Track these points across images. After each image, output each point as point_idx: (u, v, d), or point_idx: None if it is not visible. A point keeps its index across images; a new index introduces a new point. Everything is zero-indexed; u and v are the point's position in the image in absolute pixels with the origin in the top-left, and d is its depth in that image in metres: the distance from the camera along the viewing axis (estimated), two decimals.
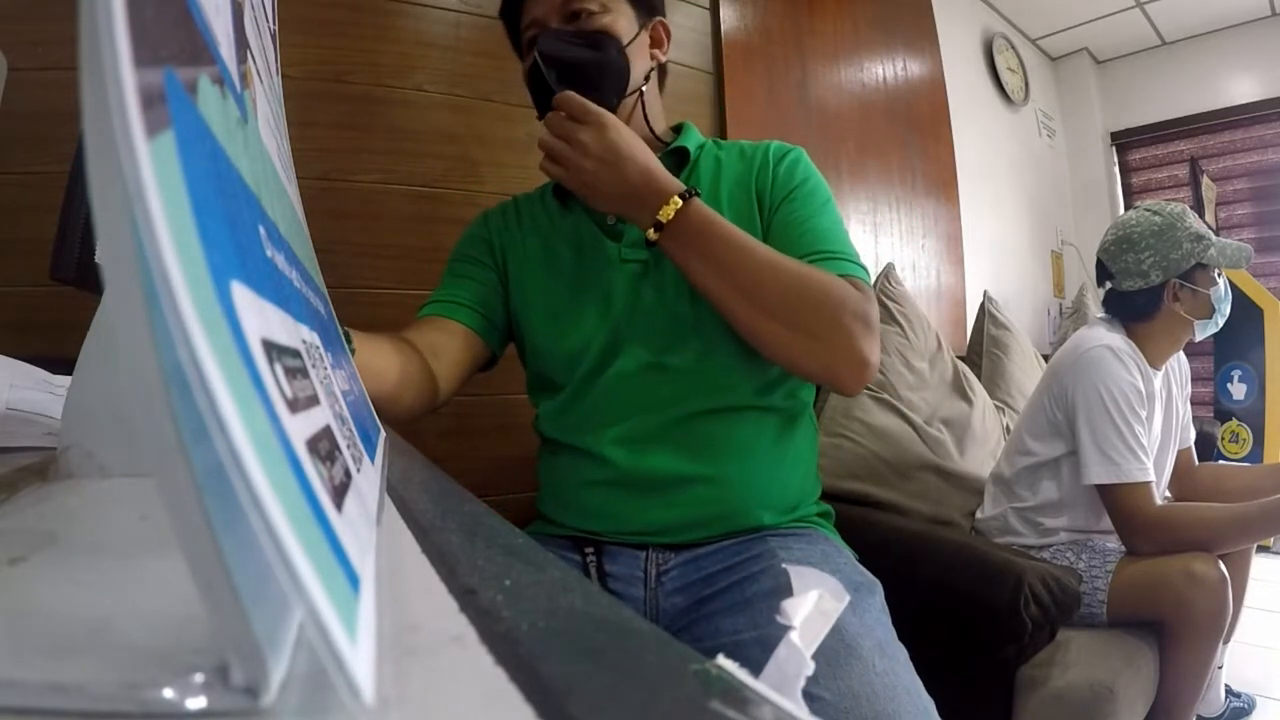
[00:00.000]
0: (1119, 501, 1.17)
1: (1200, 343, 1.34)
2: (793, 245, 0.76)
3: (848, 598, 0.65)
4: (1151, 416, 1.26)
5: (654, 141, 0.86)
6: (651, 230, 0.70)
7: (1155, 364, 1.29)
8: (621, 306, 0.82)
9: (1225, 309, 1.30)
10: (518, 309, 0.88)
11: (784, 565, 0.69)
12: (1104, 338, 1.25)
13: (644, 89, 0.85)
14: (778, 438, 0.81)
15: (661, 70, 0.90)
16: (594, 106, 0.71)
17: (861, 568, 0.77)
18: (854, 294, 0.71)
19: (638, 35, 0.84)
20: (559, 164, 0.72)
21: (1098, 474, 1.17)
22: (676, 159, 0.86)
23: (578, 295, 0.84)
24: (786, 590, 0.66)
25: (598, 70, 0.79)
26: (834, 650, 0.60)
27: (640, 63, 0.84)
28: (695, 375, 0.79)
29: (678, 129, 0.91)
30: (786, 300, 0.70)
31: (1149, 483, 1.16)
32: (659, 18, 0.88)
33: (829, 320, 0.69)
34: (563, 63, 0.77)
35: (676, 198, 0.70)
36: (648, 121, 0.85)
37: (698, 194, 0.71)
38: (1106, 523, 1.22)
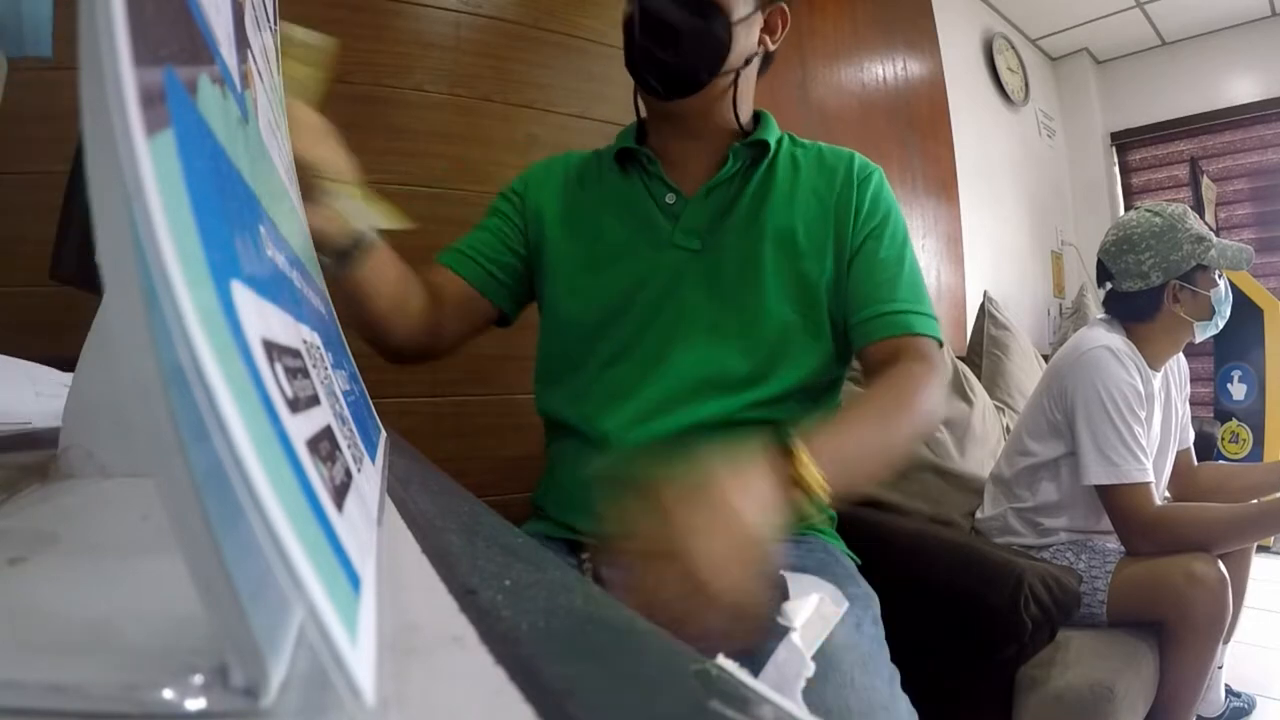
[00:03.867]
0: (1118, 502, 1.17)
1: (1200, 343, 1.34)
2: (875, 294, 0.77)
3: (846, 603, 0.64)
4: (1151, 417, 1.25)
5: (736, 130, 0.83)
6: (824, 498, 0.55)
7: (1155, 365, 1.29)
8: (660, 290, 0.79)
9: (1225, 311, 1.30)
10: (544, 267, 0.85)
11: (781, 572, 0.69)
12: (1104, 338, 1.25)
13: (741, 73, 0.80)
14: None
15: (767, 57, 0.85)
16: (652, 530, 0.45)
17: (860, 578, 0.75)
18: (920, 380, 0.71)
19: (751, 15, 0.79)
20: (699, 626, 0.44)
21: (1097, 474, 1.17)
22: (755, 152, 0.82)
23: (616, 265, 0.81)
24: (782, 596, 0.65)
25: (696, 40, 0.75)
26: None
27: (745, 44, 0.79)
28: (717, 377, 0.76)
29: (756, 117, 0.86)
30: (900, 457, 0.68)
31: (1148, 483, 1.16)
32: (780, 2, 0.82)
33: (915, 426, 0.69)
34: (663, 24, 0.74)
35: (804, 475, 0.54)
36: (736, 109, 0.81)
37: (792, 441, 0.56)
38: (1106, 523, 1.22)
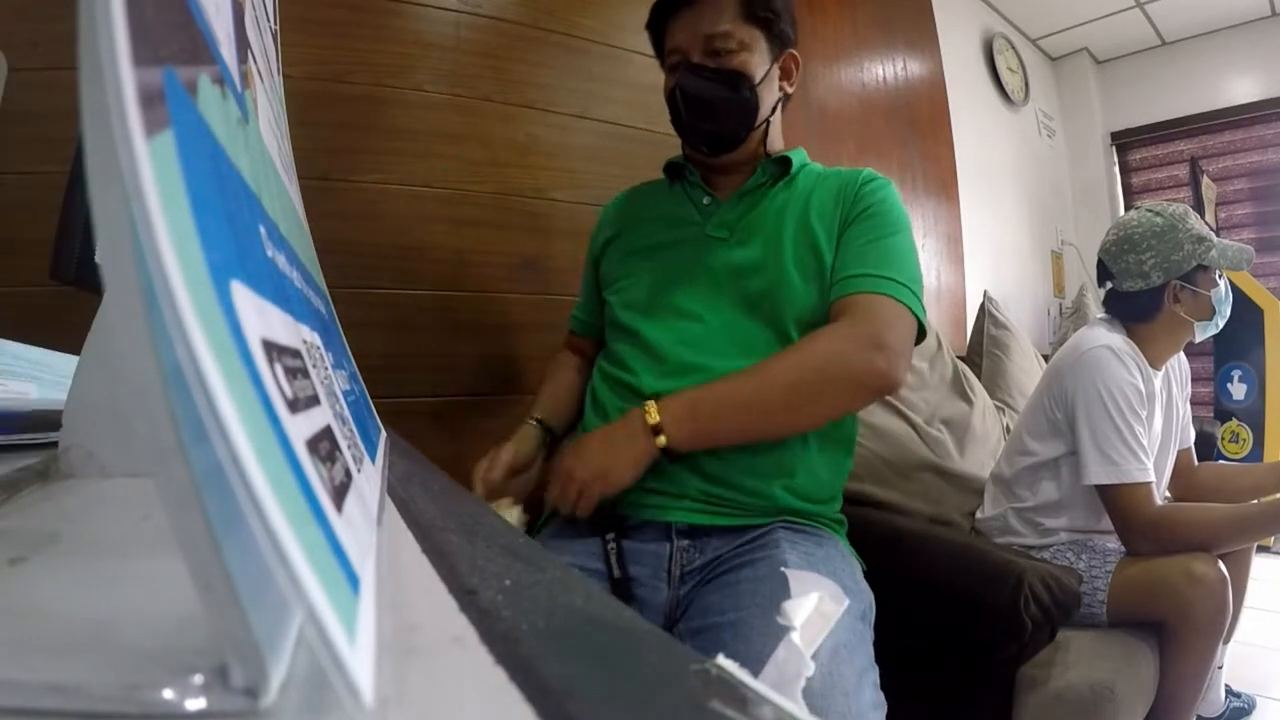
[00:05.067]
0: (1119, 502, 1.16)
1: (1200, 343, 1.34)
2: (849, 261, 0.85)
3: (847, 601, 0.65)
4: (1151, 417, 1.25)
5: (765, 155, 0.95)
6: (660, 438, 0.76)
7: (1155, 364, 1.29)
8: (695, 271, 0.91)
9: (1226, 310, 1.30)
10: (605, 265, 1.01)
11: (783, 570, 0.70)
12: (1104, 338, 1.25)
13: (770, 120, 0.93)
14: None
15: (786, 97, 0.97)
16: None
17: (860, 578, 0.78)
18: (850, 335, 0.78)
19: (769, 71, 0.91)
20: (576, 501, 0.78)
21: (1097, 474, 1.17)
22: (779, 166, 0.94)
23: (661, 253, 0.95)
24: (784, 592, 0.66)
25: (728, 108, 0.89)
26: None
27: (770, 96, 0.92)
28: (743, 340, 0.85)
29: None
30: (792, 397, 0.76)
31: (1149, 483, 1.16)
32: (790, 50, 0.94)
33: (832, 382, 0.77)
34: (701, 100, 0.88)
35: (659, 424, 0.76)
36: (767, 147, 0.94)
37: (650, 402, 0.79)
38: (1106, 523, 1.22)
